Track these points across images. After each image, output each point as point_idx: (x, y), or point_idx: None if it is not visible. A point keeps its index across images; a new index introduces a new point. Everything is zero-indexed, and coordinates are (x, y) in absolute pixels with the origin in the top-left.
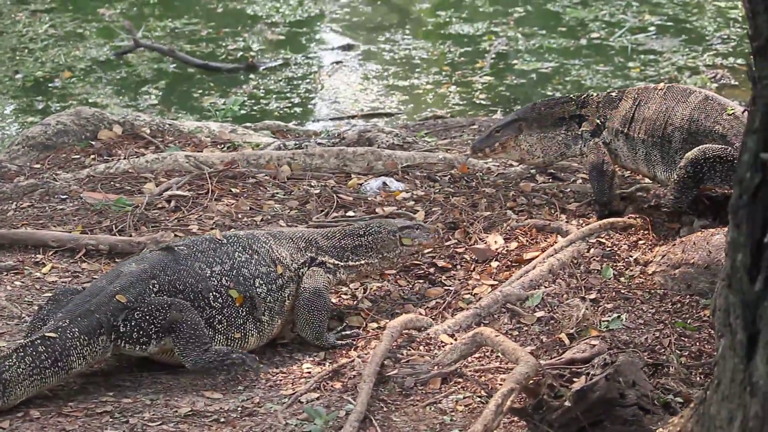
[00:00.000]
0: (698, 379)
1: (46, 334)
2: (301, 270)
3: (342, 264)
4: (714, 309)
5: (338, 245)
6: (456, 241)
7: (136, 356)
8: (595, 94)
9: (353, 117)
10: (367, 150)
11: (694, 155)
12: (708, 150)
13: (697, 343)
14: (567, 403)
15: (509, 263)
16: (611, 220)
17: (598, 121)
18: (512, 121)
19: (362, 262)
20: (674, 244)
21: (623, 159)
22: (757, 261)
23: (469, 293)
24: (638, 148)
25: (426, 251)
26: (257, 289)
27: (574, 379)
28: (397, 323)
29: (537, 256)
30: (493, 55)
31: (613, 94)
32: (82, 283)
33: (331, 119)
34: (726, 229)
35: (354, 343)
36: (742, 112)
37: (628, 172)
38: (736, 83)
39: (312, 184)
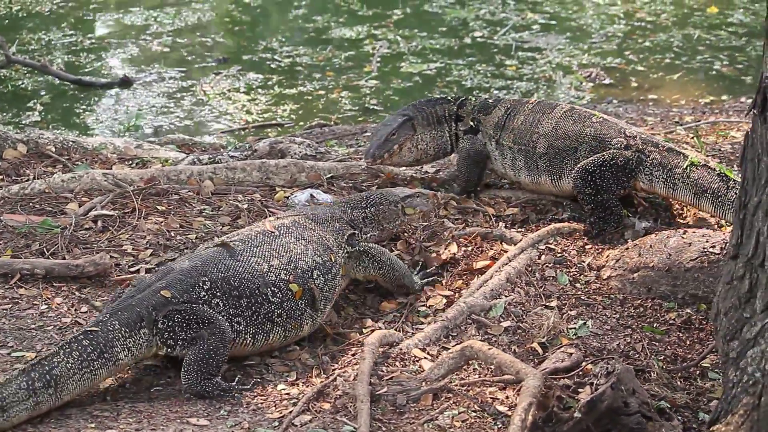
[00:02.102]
0: (679, 383)
1: (88, 329)
2: (343, 253)
3: (358, 236)
4: (716, 312)
5: (353, 217)
6: (398, 252)
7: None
8: (472, 98)
9: (244, 129)
10: (290, 162)
11: (580, 179)
12: (588, 165)
13: (669, 347)
14: (577, 414)
15: (460, 273)
16: (557, 225)
17: (471, 123)
18: (404, 121)
19: (368, 234)
20: (627, 248)
21: (493, 162)
22: None
23: (423, 305)
24: (506, 154)
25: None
26: (315, 281)
27: (579, 390)
28: (374, 339)
29: (488, 265)
30: (379, 58)
31: (490, 100)
32: (24, 310)
33: (222, 132)
34: (682, 230)
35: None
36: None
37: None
38: (611, 82)
39: (238, 198)
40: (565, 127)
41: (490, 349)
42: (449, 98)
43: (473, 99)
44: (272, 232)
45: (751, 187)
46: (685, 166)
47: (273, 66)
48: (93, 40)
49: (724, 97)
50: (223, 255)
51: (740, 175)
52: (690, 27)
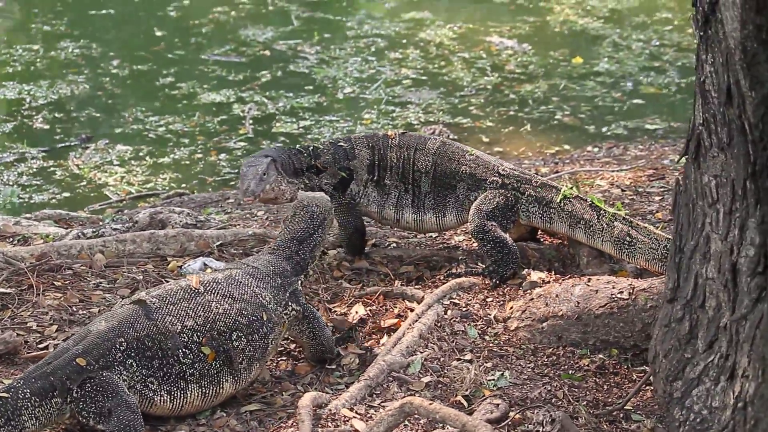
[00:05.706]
0: (605, 426)
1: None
2: (285, 312)
3: (305, 273)
4: (654, 355)
5: (298, 259)
6: None
7: None
8: (321, 146)
9: (121, 201)
10: (179, 232)
11: (475, 220)
12: (477, 212)
13: (588, 393)
14: None
15: (369, 332)
16: (458, 280)
17: (343, 174)
18: (270, 161)
19: (317, 257)
20: (532, 299)
21: (370, 207)
22: None
23: (337, 365)
24: (391, 192)
25: None
26: (234, 342)
27: None
28: (307, 401)
29: (396, 323)
30: (251, 120)
31: (342, 144)
32: None
33: (99, 205)
34: (586, 278)
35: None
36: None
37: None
38: (456, 137)
39: (132, 270)
40: (443, 164)
41: (431, 403)
42: (300, 149)
43: (322, 147)
44: (196, 288)
45: (686, 232)
46: (558, 200)
47: (150, 136)
48: None
49: (566, 147)
50: (139, 313)
51: (673, 222)
52: (557, 77)
